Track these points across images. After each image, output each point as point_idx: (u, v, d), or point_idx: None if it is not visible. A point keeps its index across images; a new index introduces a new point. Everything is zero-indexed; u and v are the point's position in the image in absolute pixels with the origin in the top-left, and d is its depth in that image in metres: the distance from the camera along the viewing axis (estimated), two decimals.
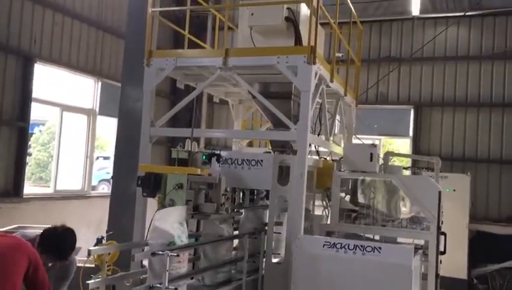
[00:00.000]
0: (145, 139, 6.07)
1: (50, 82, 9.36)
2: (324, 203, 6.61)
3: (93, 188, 11.88)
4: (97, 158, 13.08)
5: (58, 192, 9.13)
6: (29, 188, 9.29)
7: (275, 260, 5.97)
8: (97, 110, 10.15)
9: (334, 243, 4.80)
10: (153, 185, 4.77)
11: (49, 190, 9.15)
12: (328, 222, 6.32)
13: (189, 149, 4.82)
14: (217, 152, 5.09)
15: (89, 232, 8.43)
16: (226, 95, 8.17)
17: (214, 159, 5.14)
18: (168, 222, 4.13)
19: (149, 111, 6.06)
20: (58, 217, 8.26)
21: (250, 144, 9.16)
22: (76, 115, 9.86)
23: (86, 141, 10.02)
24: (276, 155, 5.68)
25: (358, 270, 4.60)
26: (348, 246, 4.74)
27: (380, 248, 4.67)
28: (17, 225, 7.40)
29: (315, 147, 6.87)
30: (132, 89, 7.23)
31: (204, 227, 5.28)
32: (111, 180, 7.78)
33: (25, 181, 8.29)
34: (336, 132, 8.33)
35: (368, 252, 4.66)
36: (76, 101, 9.86)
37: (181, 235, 4.14)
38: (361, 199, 6.64)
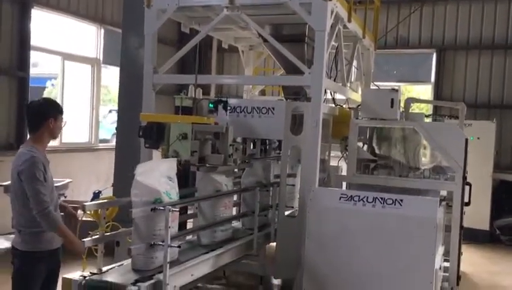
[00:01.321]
0: (148, 88, 5.75)
1: (50, 29, 8.96)
2: (340, 153, 6.28)
3: (107, 141, 11.68)
4: (110, 111, 12.80)
5: (64, 145, 8.92)
6: None
7: (287, 213, 5.77)
8: (101, 59, 9.78)
9: (351, 195, 4.51)
10: (156, 135, 4.48)
11: (55, 143, 8.94)
12: (345, 173, 6.01)
13: (194, 96, 4.46)
14: (224, 99, 4.73)
15: (99, 186, 8.27)
16: (236, 40, 7.74)
17: (220, 107, 4.80)
18: (152, 176, 3.64)
19: (151, 57, 5.70)
20: (65, 170, 8.13)
21: (262, 93, 8.83)
22: (79, 65, 9.50)
23: (91, 92, 9.73)
24: (288, 102, 5.33)
25: (378, 224, 4.33)
26: (367, 198, 4.45)
27: (401, 200, 4.37)
28: None
29: (331, 94, 6.50)
30: (133, 34, 6.82)
31: (200, 181, 4.88)
32: None
33: (27, 133, 8.06)
34: (353, 79, 7.95)
35: (389, 204, 4.37)
36: (79, 50, 9.48)
37: (169, 192, 3.67)
38: (380, 148, 6.30)
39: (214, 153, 4.42)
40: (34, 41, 8.29)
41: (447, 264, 5.58)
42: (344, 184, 5.88)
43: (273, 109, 5.17)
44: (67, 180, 7.09)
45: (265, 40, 5.81)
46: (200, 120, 4.35)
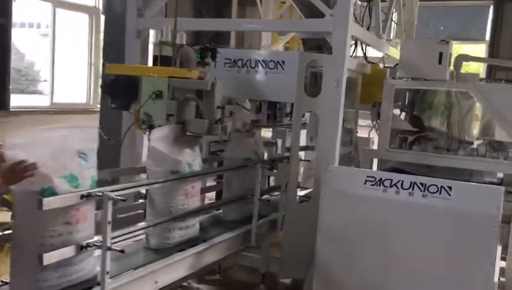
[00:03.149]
0: (131, 34, 4.76)
1: None
2: (371, 122, 5.17)
3: None
4: None
5: (55, 105, 8.07)
6: (23, 100, 8.25)
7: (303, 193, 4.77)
8: (100, 8, 8.77)
9: (381, 178, 3.45)
10: (124, 93, 3.50)
11: (45, 103, 8.11)
12: (375, 148, 4.91)
13: (173, 41, 3.42)
14: (211, 46, 3.69)
15: None
16: None
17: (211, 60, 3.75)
18: (174, 144, 3.18)
19: None
20: None
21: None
22: (74, 14, 8.54)
23: (89, 46, 8.79)
24: (302, 53, 4.22)
25: (416, 220, 3.27)
26: (402, 183, 3.39)
27: (449, 187, 3.28)
28: None
29: (362, 48, 5.34)
30: None
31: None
32: None
33: (9, 90, 7.22)
34: (392, 36, 6.81)
35: (432, 193, 3.29)
36: None
37: (192, 164, 3.28)
38: (421, 117, 5.14)
39: (198, 117, 3.40)
40: None
41: (502, 264, 4.49)
42: (375, 162, 4.81)
43: (283, 62, 4.09)
44: None
45: None
46: (178, 73, 3.32)
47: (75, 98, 8.80)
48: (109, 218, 2.35)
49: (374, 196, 3.37)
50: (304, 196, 4.79)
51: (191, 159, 3.32)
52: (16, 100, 7.59)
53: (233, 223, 3.89)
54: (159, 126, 3.35)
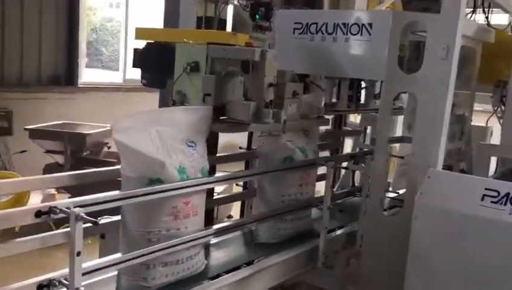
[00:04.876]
0: None
1: None
2: (492, 108, 3.98)
3: None
4: None
5: (128, 82, 7.66)
6: (95, 75, 7.97)
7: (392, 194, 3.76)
8: None
9: (508, 194, 2.37)
10: (157, 65, 2.79)
11: (118, 79, 7.74)
12: (497, 142, 3.75)
13: None
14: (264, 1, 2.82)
15: None
16: None
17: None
18: (154, 136, 2.22)
19: None
20: (123, 112, 6.90)
21: None
22: None
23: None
24: (397, 12, 3.19)
25: None
26: None
27: None
28: (63, 121, 6.16)
29: (484, 11, 4.11)
30: None
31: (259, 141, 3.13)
32: None
33: (78, 66, 6.91)
34: None
35: None
36: None
37: (185, 166, 2.26)
38: None
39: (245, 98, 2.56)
40: None
41: None
42: (493, 161, 3.67)
43: (370, 26, 3.09)
44: (107, 127, 5.85)
45: None
46: (218, 37, 2.51)
47: None
48: (77, 244, 1.60)
49: (496, 220, 2.31)
50: (394, 198, 3.81)
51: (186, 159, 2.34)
52: (94, 75, 7.33)
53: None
54: None
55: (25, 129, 5.54)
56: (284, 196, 2.95)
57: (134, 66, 2.94)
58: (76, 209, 1.61)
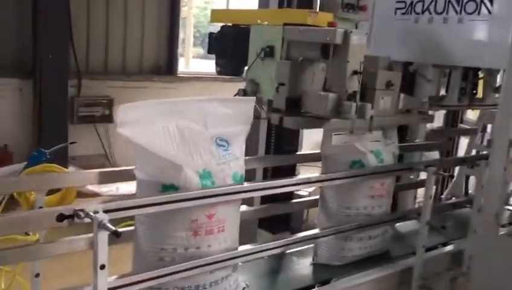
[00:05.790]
0: None
1: None
2: None
3: None
4: None
5: (191, 72, 7.58)
6: (193, 65, 7.96)
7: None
8: None
9: None
10: (232, 50, 2.54)
11: (181, 68, 7.64)
12: None
13: None
14: None
15: None
16: None
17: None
18: (173, 131, 1.86)
19: None
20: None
21: None
22: None
23: None
24: None
25: None
26: None
27: None
28: None
29: None
30: None
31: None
32: None
33: (178, 55, 6.92)
34: None
35: None
36: None
37: (212, 170, 1.88)
38: None
39: (327, 90, 2.18)
40: None
41: None
42: None
43: (491, 2, 2.55)
44: None
45: None
46: (295, 17, 2.16)
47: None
48: (101, 258, 1.37)
49: None
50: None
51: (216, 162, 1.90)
52: (199, 65, 7.34)
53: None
54: (269, 100, 2.28)
55: None
56: (350, 209, 2.46)
57: (209, 52, 2.70)
58: (100, 216, 1.38)
